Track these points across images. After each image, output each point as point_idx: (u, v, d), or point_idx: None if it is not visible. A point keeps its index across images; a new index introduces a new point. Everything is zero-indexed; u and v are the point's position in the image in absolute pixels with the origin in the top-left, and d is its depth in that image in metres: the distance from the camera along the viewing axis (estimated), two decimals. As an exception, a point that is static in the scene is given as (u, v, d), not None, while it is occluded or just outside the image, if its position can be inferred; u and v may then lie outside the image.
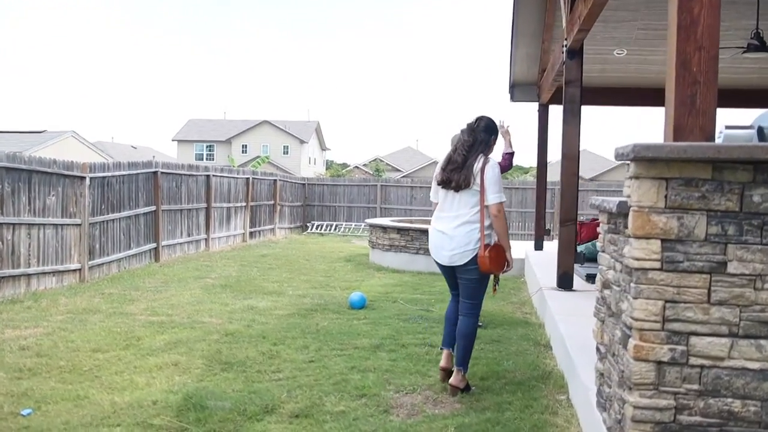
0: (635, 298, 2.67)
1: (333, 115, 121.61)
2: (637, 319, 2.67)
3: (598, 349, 3.49)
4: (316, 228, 22.59)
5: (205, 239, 15.01)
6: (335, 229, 22.51)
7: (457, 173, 4.61)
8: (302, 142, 55.23)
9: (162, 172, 12.80)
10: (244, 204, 17.36)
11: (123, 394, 4.63)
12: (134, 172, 11.75)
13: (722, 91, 10.47)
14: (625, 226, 2.88)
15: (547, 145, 12.00)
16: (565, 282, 7.37)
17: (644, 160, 2.60)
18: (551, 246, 12.88)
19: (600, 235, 3.50)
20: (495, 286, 4.88)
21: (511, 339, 6.31)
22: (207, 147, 56.41)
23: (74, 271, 9.84)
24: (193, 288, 9.46)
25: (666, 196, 2.63)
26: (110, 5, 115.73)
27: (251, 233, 17.91)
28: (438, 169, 4.84)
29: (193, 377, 5.04)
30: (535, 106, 12.25)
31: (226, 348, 5.91)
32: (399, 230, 12.48)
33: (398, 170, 55.26)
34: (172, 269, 11.52)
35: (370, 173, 48.98)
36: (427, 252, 12.02)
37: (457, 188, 4.61)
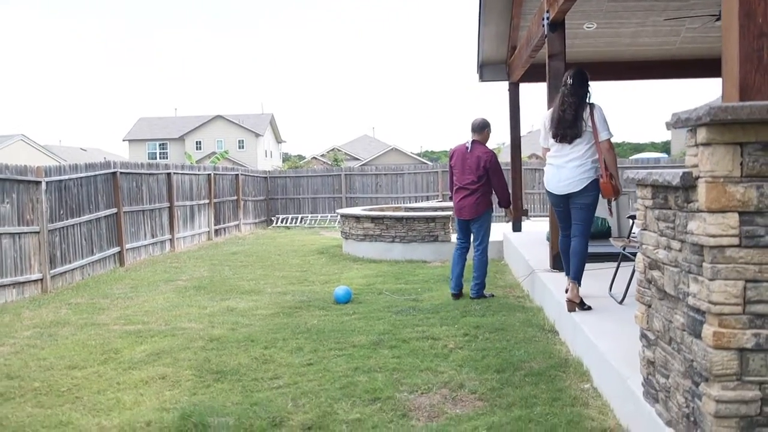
0: (712, 279, 2.37)
1: (287, 107, 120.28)
2: (715, 303, 2.37)
3: (644, 336, 3.20)
4: (282, 222, 22.09)
5: (170, 239, 14.42)
6: (301, 221, 22.04)
7: (571, 129, 5.30)
8: (257, 135, 54.29)
9: (121, 173, 12.19)
10: (207, 201, 16.77)
11: (110, 416, 4.19)
12: (92, 173, 11.13)
13: (689, 61, 10.32)
14: (685, 200, 2.58)
15: (520, 124, 11.78)
16: (560, 263, 7.11)
17: (719, 123, 2.29)
18: (531, 226, 12.71)
19: (639, 212, 3.20)
20: (610, 209, 5.82)
21: (515, 326, 6.03)
22: (160, 145, 55.06)
23: (36, 281, 9.25)
24: (165, 292, 8.97)
25: (742, 164, 2.33)
26: (50, 4, 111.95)
27: (216, 231, 17.35)
28: (548, 122, 5.54)
29: (185, 391, 4.62)
30: (504, 85, 12.01)
31: (214, 355, 5.50)
32: (373, 219, 12.13)
33: (357, 159, 54.74)
34: (139, 273, 10.97)
35: (328, 163, 48.27)
36: (403, 240, 11.78)
37: (572, 140, 5.31)
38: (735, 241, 2.35)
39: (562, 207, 5.54)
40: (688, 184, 2.49)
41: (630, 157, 31.78)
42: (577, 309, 5.28)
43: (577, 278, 5.34)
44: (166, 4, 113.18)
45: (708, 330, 2.41)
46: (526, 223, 12.72)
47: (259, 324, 6.68)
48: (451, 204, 8.82)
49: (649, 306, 3.12)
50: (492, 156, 7.39)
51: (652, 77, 12.16)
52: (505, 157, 18.49)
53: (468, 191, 7.38)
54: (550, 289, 6.23)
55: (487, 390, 4.30)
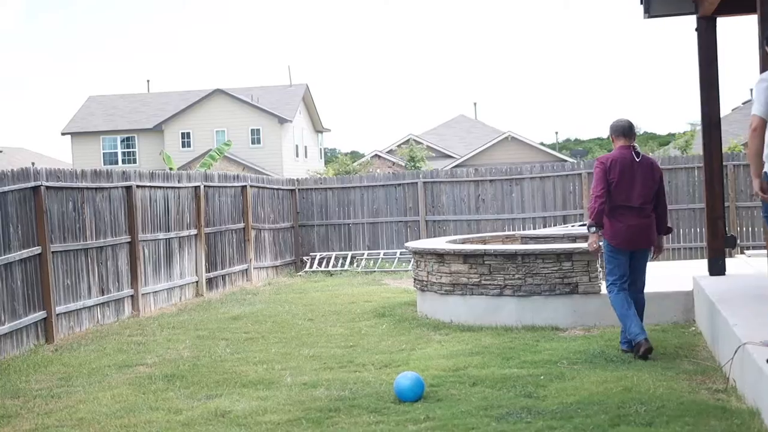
0: None
1: (332, 82, 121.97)
2: None
3: None
4: (320, 263, 22.21)
5: (132, 296, 14.75)
6: (352, 262, 22.10)
7: None
8: (283, 120, 54.92)
9: (48, 187, 12.47)
10: (194, 232, 17.15)
11: None
12: (-1, 190, 11.41)
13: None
14: None
15: (718, 89, 11.52)
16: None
17: None
18: (742, 266, 12.34)
19: None
20: None
21: (704, 442, 5.81)
22: (123, 141, 56.43)
23: None
24: (116, 385, 9.10)
25: None
26: None
27: (210, 280, 17.67)
28: None
29: None
30: (688, 21, 11.84)
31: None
32: (467, 257, 12.02)
33: (449, 155, 54.77)
34: (77, 354, 11.20)
35: (400, 165, 48.49)
36: (518, 291, 11.63)
37: None
38: None
39: None
40: None
41: None
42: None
43: None
44: None
45: None
46: (733, 261, 12.36)
47: (263, 440, 6.70)
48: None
49: None
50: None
51: None
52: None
53: (645, 212, 9.17)
54: (769, 375, 5.99)
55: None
